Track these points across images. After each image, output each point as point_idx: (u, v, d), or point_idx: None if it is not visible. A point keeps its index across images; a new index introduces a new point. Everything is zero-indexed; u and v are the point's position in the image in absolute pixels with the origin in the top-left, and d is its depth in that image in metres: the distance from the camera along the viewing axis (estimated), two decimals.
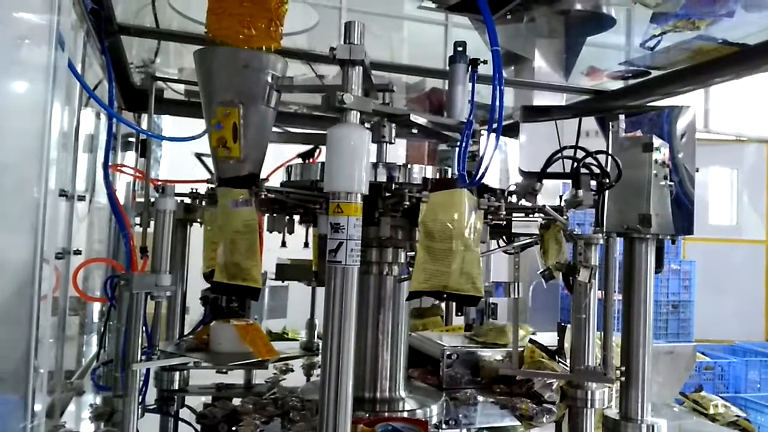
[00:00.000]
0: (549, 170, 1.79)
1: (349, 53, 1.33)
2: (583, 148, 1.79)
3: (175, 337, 2.18)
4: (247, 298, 2.10)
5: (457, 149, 1.77)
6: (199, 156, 1.91)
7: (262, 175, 1.77)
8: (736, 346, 6.68)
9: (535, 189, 1.75)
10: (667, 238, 1.88)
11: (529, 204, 1.84)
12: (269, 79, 1.57)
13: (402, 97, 3.17)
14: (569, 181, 1.82)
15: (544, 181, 1.80)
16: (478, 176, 1.54)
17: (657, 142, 1.81)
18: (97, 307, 2.92)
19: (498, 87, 1.47)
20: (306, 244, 2.12)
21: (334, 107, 1.34)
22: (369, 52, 1.40)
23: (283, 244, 1.99)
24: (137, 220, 2.23)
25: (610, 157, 1.79)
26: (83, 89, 2.12)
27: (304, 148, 2.15)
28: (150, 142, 2.74)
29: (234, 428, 1.78)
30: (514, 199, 1.84)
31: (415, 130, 1.83)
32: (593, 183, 1.80)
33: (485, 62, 1.91)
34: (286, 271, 2.05)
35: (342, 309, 1.31)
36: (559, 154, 1.79)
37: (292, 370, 2.42)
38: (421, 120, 1.67)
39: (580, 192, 1.76)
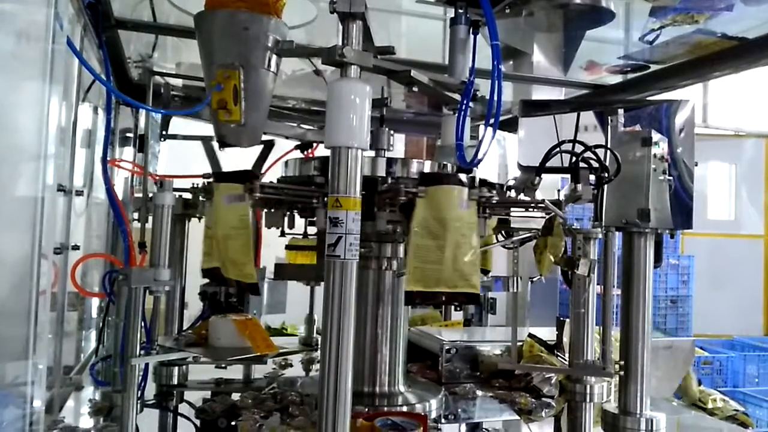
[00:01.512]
0: (548, 165, 1.79)
1: (349, 6, 1.33)
2: (581, 143, 1.79)
3: (173, 332, 2.18)
4: (247, 293, 2.10)
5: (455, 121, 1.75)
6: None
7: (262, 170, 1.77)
8: (734, 340, 6.69)
9: (533, 183, 1.75)
10: (666, 233, 1.89)
11: (527, 198, 1.84)
12: (269, 43, 1.56)
13: (400, 92, 3.17)
14: (568, 176, 1.82)
15: (543, 176, 1.79)
16: (477, 159, 1.54)
17: (656, 136, 1.81)
18: (95, 303, 2.92)
19: (496, 81, 1.47)
20: (305, 235, 2.12)
21: (333, 61, 1.34)
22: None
23: (282, 234, 1.99)
24: (135, 215, 2.23)
25: (608, 152, 1.79)
26: (80, 85, 2.12)
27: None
28: (148, 137, 2.73)
29: (233, 423, 1.78)
30: (512, 193, 1.84)
31: (415, 89, 1.79)
32: (592, 177, 1.79)
33: (485, 24, 1.90)
34: (285, 271, 2.05)
35: (341, 304, 1.31)
36: (558, 149, 1.79)
37: (291, 365, 2.42)
38: (422, 78, 1.65)
39: (579, 186, 1.76)
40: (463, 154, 1.60)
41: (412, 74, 1.60)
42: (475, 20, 1.96)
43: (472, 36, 1.99)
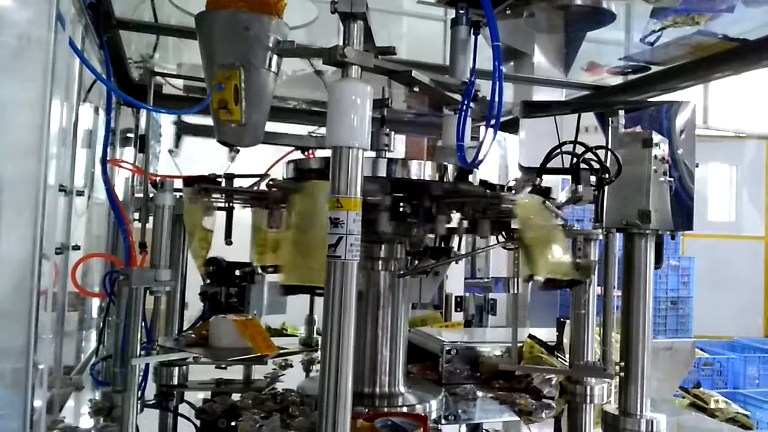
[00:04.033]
0: (548, 166, 1.79)
1: (350, 6, 1.33)
2: (582, 144, 1.79)
3: (174, 332, 2.18)
4: (248, 293, 2.10)
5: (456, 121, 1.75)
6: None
7: (262, 171, 1.77)
8: (734, 342, 6.70)
9: (534, 184, 1.75)
10: (667, 234, 1.88)
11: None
12: (270, 43, 1.56)
13: (401, 92, 3.17)
14: (568, 177, 1.82)
15: (544, 177, 1.79)
16: (478, 160, 1.54)
17: (656, 137, 1.81)
18: (96, 303, 2.92)
19: (497, 82, 1.47)
20: None
21: (335, 62, 1.34)
22: None
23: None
24: (136, 215, 2.23)
25: (609, 153, 1.79)
26: (81, 85, 2.12)
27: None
28: (148, 137, 2.73)
29: (233, 423, 1.78)
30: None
31: (416, 89, 1.79)
32: (593, 178, 1.79)
33: (486, 25, 1.90)
34: None
35: (341, 304, 1.31)
36: (559, 150, 1.79)
37: (292, 366, 2.43)
38: (423, 78, 1.65)
39: (580, 187, 1.76)
40: (464, 154, 1.60)
41: (413, 74, 1.60)
42: (476, 21, 1.96)
43: (472, 36, 1.99)
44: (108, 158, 2.11)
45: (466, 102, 1.62)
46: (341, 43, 1.34)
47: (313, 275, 1.53)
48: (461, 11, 1.98)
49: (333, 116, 1.33)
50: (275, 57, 1.58)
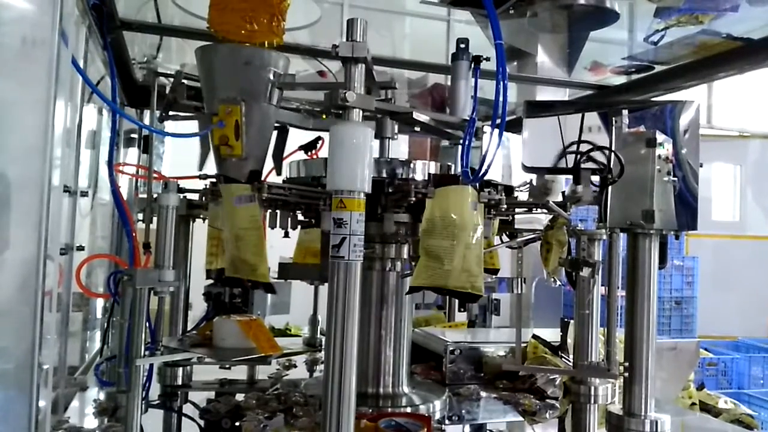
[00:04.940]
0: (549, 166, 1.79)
1: (351, 51, 1.33)
2: (590, 142, 1.78)
3: (178, 332, 2.18)
4: (251, 293, 2.10)
5: (459, 147, 1.76)
6: None
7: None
8: (739, 342, 6.68)
9: (548, 189, 1.75)
10: (671, 234, 1.88)
11: (533, 200, 1.83)
12: (271, 77, 1.57)
13: (404, 93, 3.17)
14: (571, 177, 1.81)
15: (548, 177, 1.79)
16: (482, 172, 1.54)
17: (660, 137, 1.80)
18: (100, 303, 2.93)
19: (501, 81, 1.46)
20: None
21: (336, 105, 1.34)
22: (371, 48, 1.39)
23: (286, 234, 1.99)
24: (140, 216, 2.24)
25: (612, 153, 1.79)
26: (86, 85, 2.13)
27: (305, 138, 2.13)
28: (153, 138, 2.74)
29: (237, 424, 1.79)
30: (524, 196, 1.84)
31: (417, 129, 1.82)
32: (595, 178, 1.79)
33: (488, 59, 1.90)
34: (289, 270, 2.06)
35: (345, 304, 1.31)
36: (576, 149, 1.78)
37: (295, 366, 2.43)
38: (423, 117, 1.66)
39: (579, 187, 1.76)
40: (468, 176, 1.59)
41: (414, 115, 1.61)
42: (477, 56, 1.95)
43: (473, 70, 1.97)
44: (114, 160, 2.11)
45: (467, 139, 1.61)
46: (343, 39, 1.34)
47: (448, 279, 1.57)
48: (462, 45, 1.97)
49: (334, 160, 1.33)
50: (276, 90, 1.59)
